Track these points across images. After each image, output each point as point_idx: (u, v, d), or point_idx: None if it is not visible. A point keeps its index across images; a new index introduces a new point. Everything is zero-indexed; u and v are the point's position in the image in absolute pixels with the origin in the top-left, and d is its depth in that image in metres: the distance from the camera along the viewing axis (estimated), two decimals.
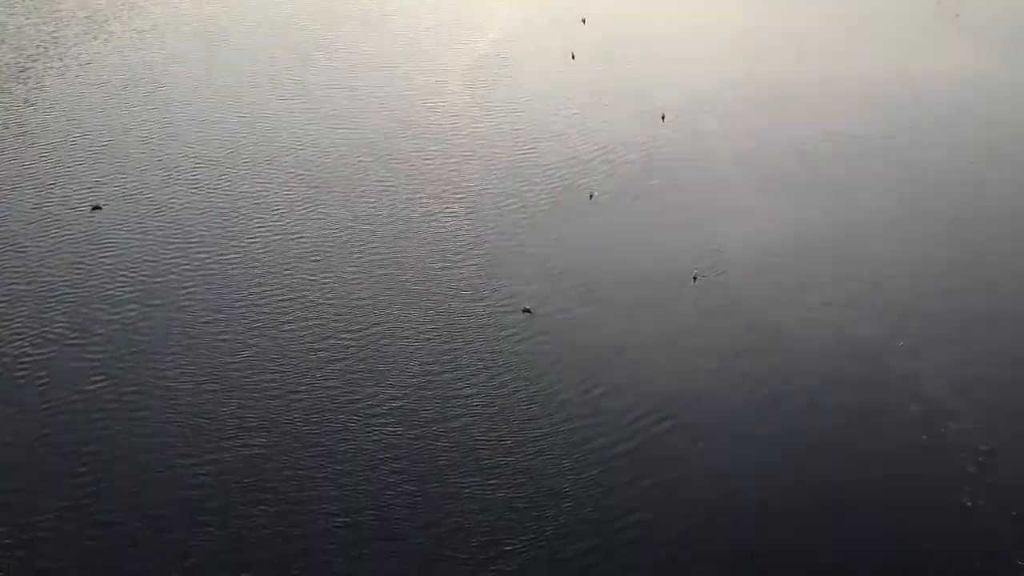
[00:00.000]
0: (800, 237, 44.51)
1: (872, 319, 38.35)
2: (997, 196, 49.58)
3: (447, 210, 47.10)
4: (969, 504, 29.08)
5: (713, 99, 61.93)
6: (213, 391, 33.93)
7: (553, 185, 49.51)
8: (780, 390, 34.26)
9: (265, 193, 48.72)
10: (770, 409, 33.32)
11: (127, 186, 49.05)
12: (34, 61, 67.18)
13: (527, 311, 38.69)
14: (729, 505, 29.12)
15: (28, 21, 76.14)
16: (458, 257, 42.78)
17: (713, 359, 35.84)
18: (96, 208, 46.40)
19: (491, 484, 29.90)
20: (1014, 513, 28.71)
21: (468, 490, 29.68)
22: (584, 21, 77.93)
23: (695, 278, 40.38)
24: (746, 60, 69.65)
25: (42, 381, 34.21)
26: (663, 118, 58.05)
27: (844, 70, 67.34)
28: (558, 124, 57.77)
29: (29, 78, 63.57)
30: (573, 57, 69.43)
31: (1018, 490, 29.61)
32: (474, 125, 57.67)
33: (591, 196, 48.12)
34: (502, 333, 37.34)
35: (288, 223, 45.74)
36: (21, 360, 35.36)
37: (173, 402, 33.26)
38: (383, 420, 32.65)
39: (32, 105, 59.19)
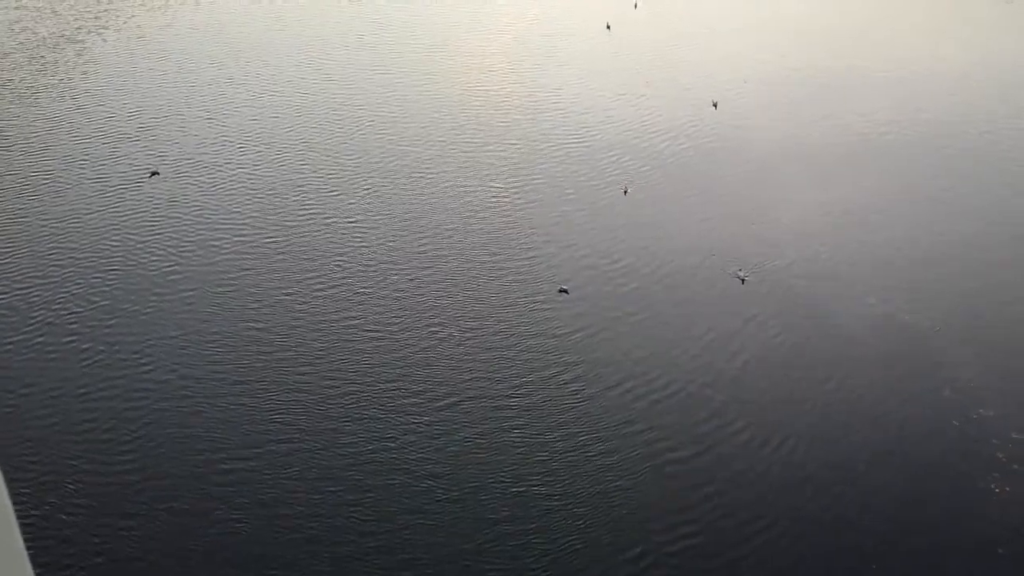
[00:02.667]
0: (849, 228, 44.22)
1: (919, 310, 38.17)
2: None
3: (478, 199, 47.29)
4: (996, 490, 29.11)
5: (764, 87, 61.34)
6: (251, 359, 34.53)
7: (585, 178, 48.84)
8: (816, 373, 34.37)
9: (313, 166, 49.40)
10: (805, 394, 33.45)
11: (184, 154, 50.54)
12: (88, 33, 68.38)
13: (564, 291, 39.14)
14: (767, 494, 29.33)
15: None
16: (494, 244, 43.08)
17: (753, 342, 35.99)
18: (154, 174, 48.45)
19: (526, 472, 29.95)
20: None
21: (500, 478, 29.71)
22: (636, 5, 76.76)
23: (743, 280, 39.57)
24: (794, 48, 69.00)
25: (103, 340, 35.37)
26: (715, 105, 57.06)
27: (894, 57, 66.42)
28: (601, 110, 57.59)
29: (85, 49, 64.89)
30: (608, 27, 70.00)
31: None
32: (514, 111, 57.65)
33: (625, 191, 47.10)
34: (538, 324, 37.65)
35: (330, 197, 46.39)
36: (76, 319, 36.57)
37: (217, 371, 34.15)
38: (417, 399, 32.90)
39: (90, 74, 60.44)
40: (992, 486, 29.29)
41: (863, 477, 29.71)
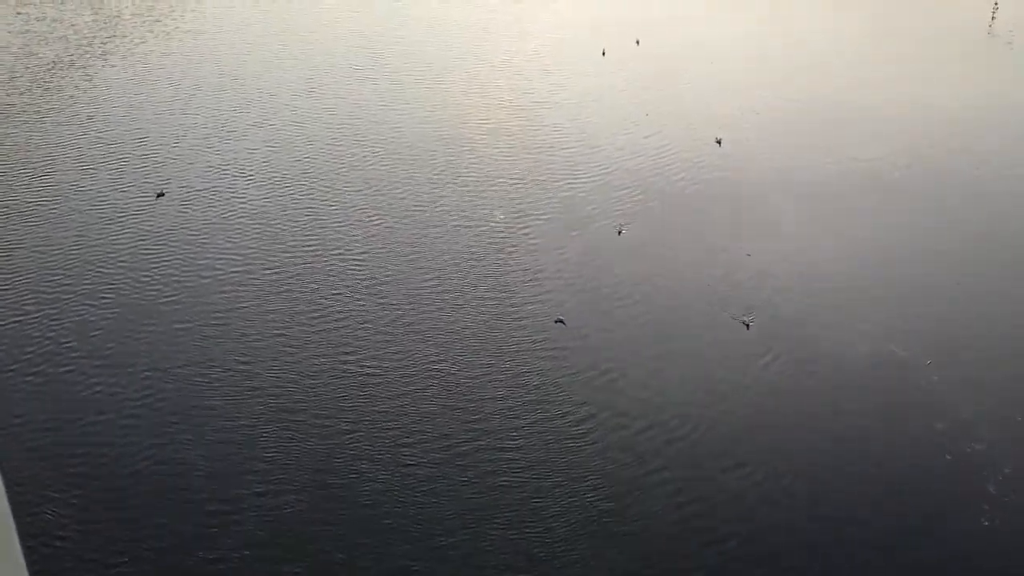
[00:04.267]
0: (854, 274, 44.66)
1: (912, 345, 38.58)
2: None
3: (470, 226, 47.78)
4: (987, 524, 29.40)
5: (764, 125, 62.02)
6: (246, 376, 34.97)
7: (579, 215, 48.78)
8: (809, 406, 34.75)
9: (313, 196, 49.87)
10: (797, 429, 33.80)
11: (188, 176, 51.12)
12: (96, 58, 69.13)
13: (560, 322, 39.41)
14: (754, 521, 29.61)
15: (83, 18, 78.29)
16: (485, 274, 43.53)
17: (746, 378, 36.36)
18: (160, 195, 48.52)
19: (519, 497, 30.33)
20: None
21: (495, 504, 29.96)
22: (638, 42, 77.83)
23: (748, 325, 39.20)
24: (793, 82, 69.83)
25: (110, 358, 35.71)
26: (719, 143, 57.17)
27: (895, 95, 67.09)
28: (604, 144, 58.21)
29: (94, 70, 65.58)
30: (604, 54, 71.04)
31: None
32: (516, 144, 58.27)
33: (620, 232, 46.66)
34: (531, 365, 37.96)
35: (328, 227, 46.83)
36: (86, 336, 36.91)
37: (214, 384, 34.49)
38: (414, 426, 33.18)
39: (98, 98, 61.09)
40: (983, 520, 29.61)
41: (854, 510, 30.00)
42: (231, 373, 35.54)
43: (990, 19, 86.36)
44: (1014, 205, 51.23)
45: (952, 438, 33.01)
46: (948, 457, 32.19)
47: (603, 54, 73.94)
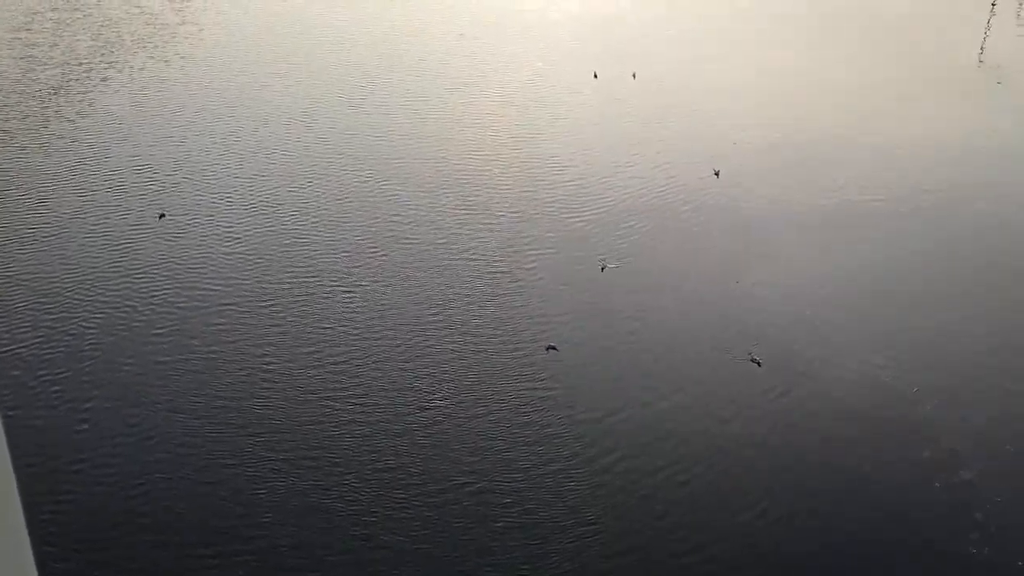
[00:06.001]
0: (835, 293, 45.41)
1: (901, 374, 39.16)
2: None
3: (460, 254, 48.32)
4: (975, 552, 29.87)
5: (750, 153, 62.81)
6: (239, 406, 35.36)
7: (558, 251, 48.92)
8: (800, 435, 35.28)
9: (313, 211, 50.75)
10: (787, 457, 34.32)
11: (190, 197, 52.12)
12: (94, 84, 69.78)
13: (552, 348, 39.90)
14: (738, 547, 30.03)
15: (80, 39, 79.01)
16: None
17: (739, 405, 36.89)
18: (162, 216, 49.81)
19: (503, 526, 30.64)
20: (1020, 563, 29.48)
21: (479, 535, 30.23)
22: (634, 75, 78.37)
23: (759, 363, 38.91)
24: (779, 114, 70.74)
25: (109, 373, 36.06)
26: (717, 174, 57.41)
27: (885, 130, 67.86)
28: (581, 179, 58.91)
29: (92, 95, 66.23)
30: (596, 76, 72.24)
31: (1023, 539, 30.40)
32: (508, 174, 58.95)
33: (603, 268, 46.34)
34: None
35: (323, 239, 47.71)
36: (88, 355, 37.28)
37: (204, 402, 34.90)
38: (398, 454, 33.55)
39: (98, 123, 61.69)
40: (971, 549, 30.09)
41: (842, 538, 30.47)
42: (219, 402, 35.99)
43: (979, 51, 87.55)
44: (1007, 237, 51.95)
45: (940, 466, 33.57)
46: (936, 485, 32.72)
47: (595, 76, 75.72)
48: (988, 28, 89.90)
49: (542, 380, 37.60)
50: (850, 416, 36.14)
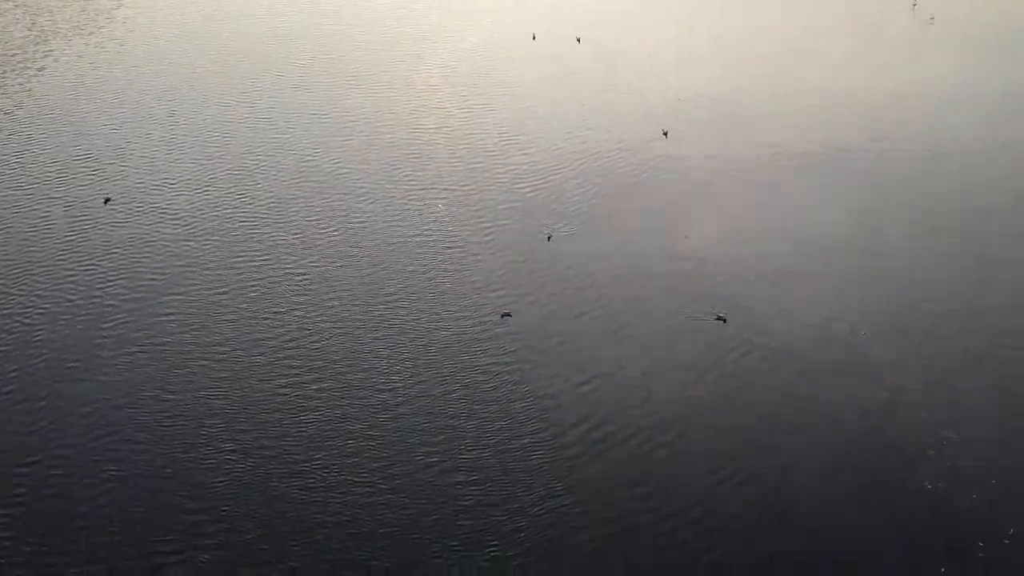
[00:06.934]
0: (782, 245, 45.90)
1: (851, 319, 39.76)
2: (986, 201, 50.52)
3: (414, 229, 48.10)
4: (929, 487, 30.60)
5: (685, 115, 62.89)
6: (194, 386, 35.23)
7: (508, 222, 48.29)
8: (753, 376, 35.84)
9: (260, 191, 50.34)
10: (743, 396, 34.89)
11: (136, 181, 51.56)
12: (34, 64, 68.42)
13: (507, 315, 39.81)
14: (711, 511, 30.33)
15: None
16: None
17: (700, 366, 37.28)
18: (107, 201, 49.39)
19: (468, 487, 30.85)
20: (973, 496, 30.26)
21: (446, 494, 30.47)
22: (579, 40, 77.90)
23: (724, 320, 39.42)
24: (717, 71, 70.87)
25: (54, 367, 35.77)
26: (665, 134, 57.84)
27: (828, 80, 68.41)
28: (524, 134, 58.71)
29: (32, 75, 64.89)
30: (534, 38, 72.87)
31: (974, 474, 31.22)
32: (457, 143, 58.66)
33: (549, 238, 46.12)
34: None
35: (275, 219, 47.47)
36: (32, 345, 36.92)
37: (159, 394, 34.71)
38: (360, 424, 33.61)
39: (39, 102, 60.51)
40: (925, 484, 30.78)
41: (808, 489, 31.05)
42: (172, 392, 35.65)
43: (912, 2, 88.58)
44: (949, 182, 52.69)
45: (894, 405, 34.29)
46: (889, 424, 33.40)
47: (533, 38, 75.97)
48: None
49: (502, 352, 37.62)
50: (809, 369, 36.52)
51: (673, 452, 32.42)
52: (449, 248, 45.16)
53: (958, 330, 38.94)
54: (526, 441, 32.75)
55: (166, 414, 34.03)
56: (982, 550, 28.49)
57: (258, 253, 44.61)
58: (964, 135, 58.49)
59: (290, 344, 37.99)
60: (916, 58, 74.11)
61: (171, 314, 39.84)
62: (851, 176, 53.25)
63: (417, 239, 46.00)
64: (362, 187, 51.38)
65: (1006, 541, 28.75)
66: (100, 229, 46.68)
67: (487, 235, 46.42)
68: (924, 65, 71.85)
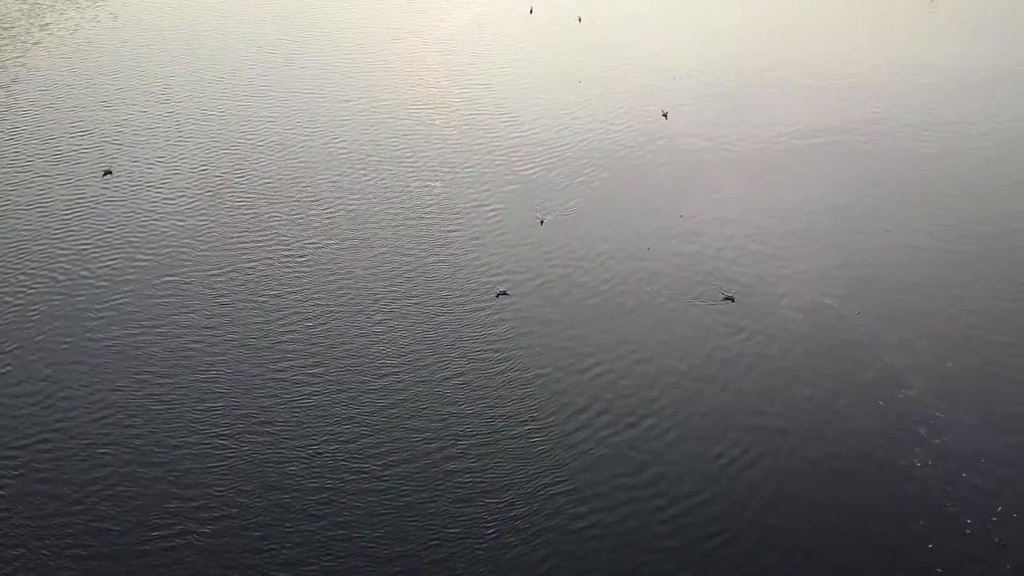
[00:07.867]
0: (781, 227, 45.91)
1: (847, 298, 39.88)
2: (983, 182, 50.34)
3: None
4: (919, 465, 30.74)
5: (683, 94, 62.74)
6: (191, 370, 35.20)
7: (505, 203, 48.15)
8: (749, 358, 35.94)
9: (255, 169, 50.32)
10: (740, 380, 34.99)
11: (136, 154, 51.69)
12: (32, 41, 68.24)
13: (504, 294, 39.75)
14: (704, 487, 30.38)
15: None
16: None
17: (696, 351, 37.26)
18: (107, 173, 49.25)
19: (466, 472, 30.77)
20: (964, 475, 30.41)
21: (443, 479, 30.35)
22: (580, 19, 77.79)
23: (733, 299, 39.38)
24: (717, 51, 70.77)
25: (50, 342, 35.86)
26: (665, 115, 57.70)
27: (830, 60, 68.23)
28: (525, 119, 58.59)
29: (29, 49, 64.72)
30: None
31: (964, 452, 31.37)
32: (456, 121, 58.57)
33: (542, 222, 45.69)
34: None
35: (270, 197, 47.43)
36: (26, 324, 37.01)
37: (157, 376, 34.81)
38: (359, 404, 33.63)
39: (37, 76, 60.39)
40: (915, 462, 30.91)
41: (794, 457, 31.16)
42: (164, 375, 35.63)
43: None
44: (951, 162, 52.68)
45: (884, 385, 34.41)
46: (880, 403, 33.51)
47: (530, 12, 75.53)
48: None
49: (501, 334, 37.56)
50: (807, 348, 36.57)
51: (675, 434, 32.47)
52: (446, 228, 45.14)
53: (959, 311, 38.94)
54: (526, 423, 32.75)
55: (160, 395, 33.98)
56: (969, 527, 28.69)
57: (254, 232, 44.57)
58: (967, 116, 58.41)
59: (286, 326, 37.96)
60: (918, 40, 73.92)
61: (168, 295, 39.88)
62: (851, 156, 53.28)
63: (413, 218, 45.99)
64: (357, 165, 51.29)
65: (994, 519, 28.92)
66: (99, 204, 46.71)
67: (487, 216, 46.37)
68: (925, 46, 71.68)
